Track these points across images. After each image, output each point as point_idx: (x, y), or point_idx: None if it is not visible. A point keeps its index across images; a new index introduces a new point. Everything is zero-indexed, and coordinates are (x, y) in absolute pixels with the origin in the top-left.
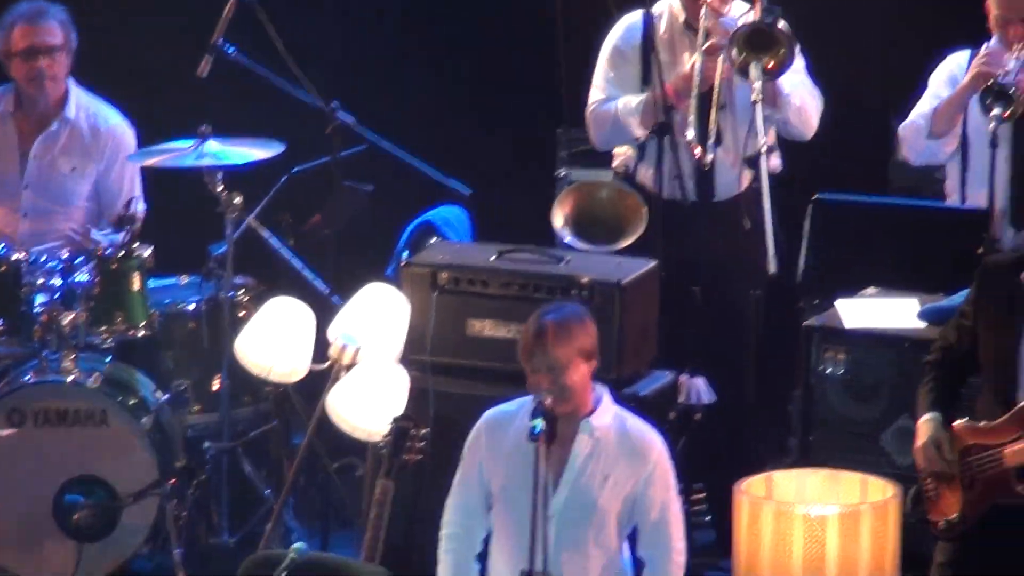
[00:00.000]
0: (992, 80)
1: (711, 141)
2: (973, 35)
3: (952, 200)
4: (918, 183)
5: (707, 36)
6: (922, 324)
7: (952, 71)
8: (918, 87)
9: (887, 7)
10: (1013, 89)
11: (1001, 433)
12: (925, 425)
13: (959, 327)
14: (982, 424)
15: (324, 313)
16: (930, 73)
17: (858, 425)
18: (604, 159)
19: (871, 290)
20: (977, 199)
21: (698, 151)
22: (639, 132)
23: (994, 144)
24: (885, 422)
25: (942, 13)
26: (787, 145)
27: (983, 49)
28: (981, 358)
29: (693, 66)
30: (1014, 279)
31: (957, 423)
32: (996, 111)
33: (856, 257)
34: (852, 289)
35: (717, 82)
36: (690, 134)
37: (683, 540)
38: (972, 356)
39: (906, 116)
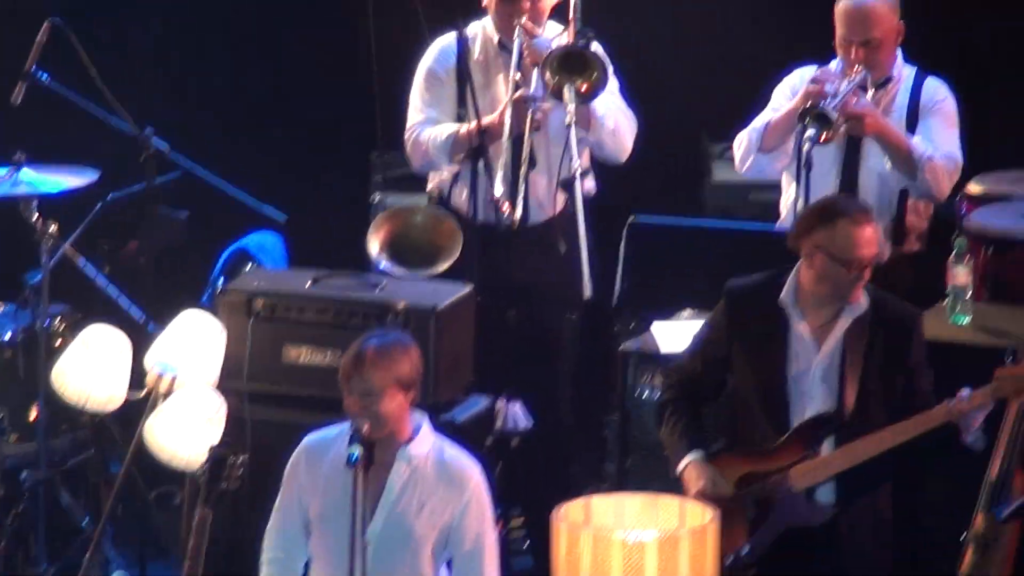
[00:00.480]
0: (810, 103)
1: (521, 181)
2: (811, 54)
3: (785, 217)
4: (733, 205)
5: (521, 58)
6: None
7: (795, 85)
8: (732, 108)
9: (699, 30)
10: (833, 113)
11: (779, 457)
12: (691, 468)
13: (705, 356)
14: (756, 451)
15: (140, 341)
16: (745, 94)
17: None
18: (419, 183)
19: (687, 313)
20: None
21: (506, 208)
22: (450, 165)
23: (808, 166)
24: None
25: (757, 35)
26: (602, 168)
27: (820, 68)
28: (742, 386)
29: (503, 113)
30: (770, 302)
31: (724, 454)
32: (810, 132)
33: (672, 280)
34: (668, 312)
35: (529, 117)
36: (498, 190)
37: (497, 570)
38: (718, 385)
39: (727, 136)
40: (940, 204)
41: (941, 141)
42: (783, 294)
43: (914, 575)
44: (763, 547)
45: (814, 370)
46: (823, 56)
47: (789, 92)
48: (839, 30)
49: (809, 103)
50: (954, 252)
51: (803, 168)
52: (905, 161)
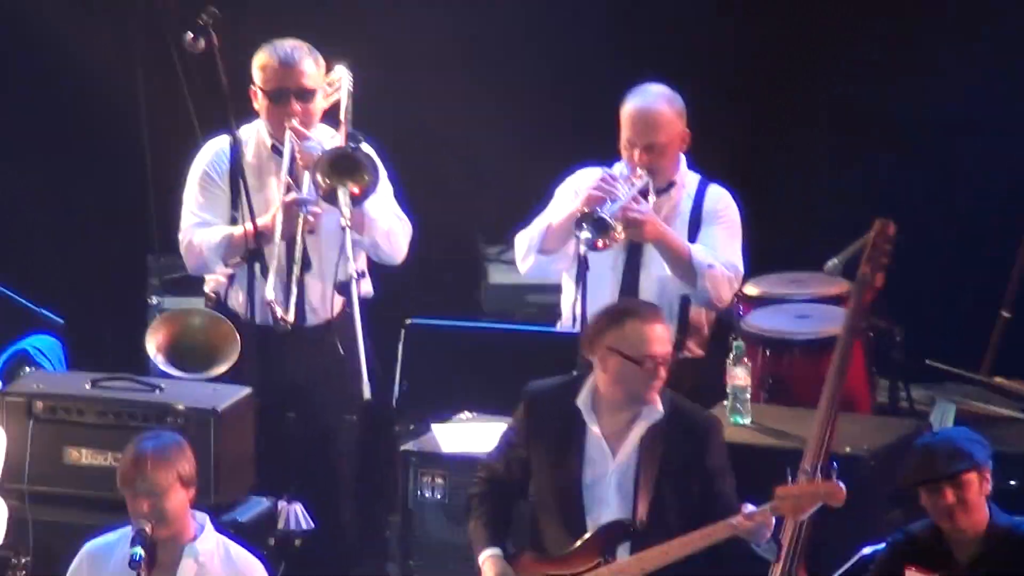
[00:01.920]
0: (590, 208)
1: (294, 288)
2: (591, 155)
3: (566, 319)
4: (510, 307)
5: (292, 161)
6: None
7: (578, 186)
8: (507, 210)
9: (474, 131)
10: (610, 218)
11: (575, 562)
12: (488, 563)
13: (507, 456)
14: (552, 555)
15: None
16: (522, 196)
17: (457, 549)
18: (196, 285)
19: (466, 414)
20: None
21: (279, 312)
22: (224, 268)
23: (584, 268)
24: None
25: (532, 136)
26: (379, 270)
27: (610, 169)
28: (540, 488)
29: (275, 216)
30: (566, 405)
31: (526, 555)
32: (587, 236)
33: (450, 381)
34: (447, 413)
35: (301, 220)
36: (270, 294)
37: None
38: (522, 485)
39: (502, 239)
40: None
41: (723, 250)
42: (579, 398)
43: None
44: None
45: (609, 476)
46: (606, 157)
47: (572, 193)
48: (624, 132)
49: (588, 208)
50: (732, 354)
51: (579, 271)
52: (685, 268)
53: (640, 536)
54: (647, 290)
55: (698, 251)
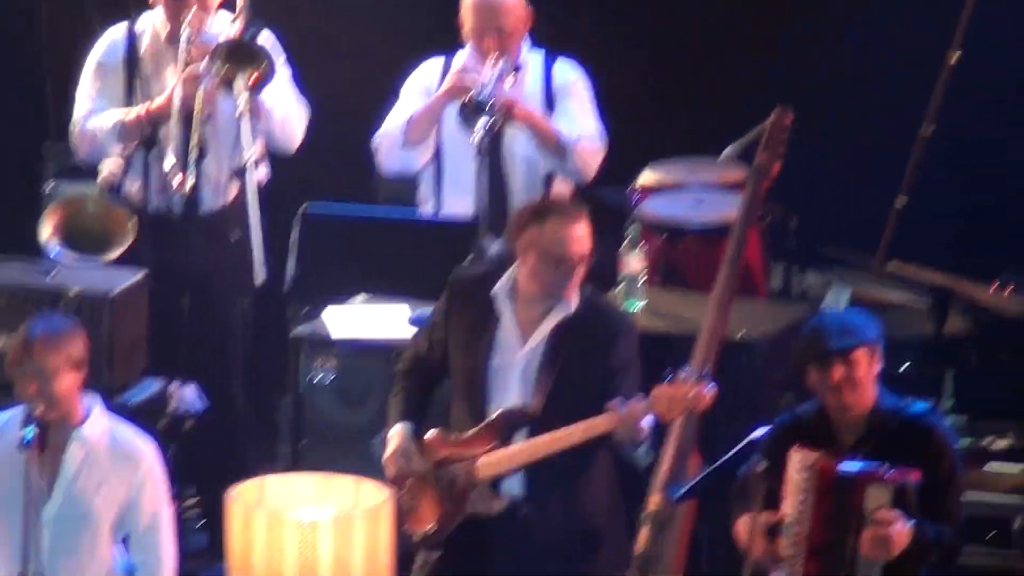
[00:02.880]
0: (469, 96)
1: (191, 167)
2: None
3: (426, 209)
4: (404, 193)
5: (188, 52)
6: (412, 331)
7: (425, 81)
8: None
9: (366, 14)
10: (491, 102)
11: (474, 444)
12: (396, 435)
13: (430, 337)
14: (455, 435)
15: None
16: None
17: (348, 431)
18: (92, 173)
19: (360, 298)
20: (454, 207)
21: (177, 179)
22: (120, 152)
23: (480, 154)
24: (375, 428)
25: (421, 19)
26: (276, 156)
27: (456, 60)
28: (453, 370)
29: (172, 93)
30: (483, 294)
31: (430, 433)
32: (480, 122)
33: (345, 266)
34: (341, 298)
35: (199, 104)
36: (168, 163)
37: (173, 546)
38: (443, 366)
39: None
40: (612, 192)
41: (582, 121)
42: (497, 286)
43: None
44: (447, 530)
45: (515, 364)
46: (446, 47)
47: (420, 87)
48: (469, 21)
49: (467, 99)
50: (627, 240)
51: (477, 156)
52: (553, 146)
53: (537, 425)
54: (513, 171)
55: (563, 127)
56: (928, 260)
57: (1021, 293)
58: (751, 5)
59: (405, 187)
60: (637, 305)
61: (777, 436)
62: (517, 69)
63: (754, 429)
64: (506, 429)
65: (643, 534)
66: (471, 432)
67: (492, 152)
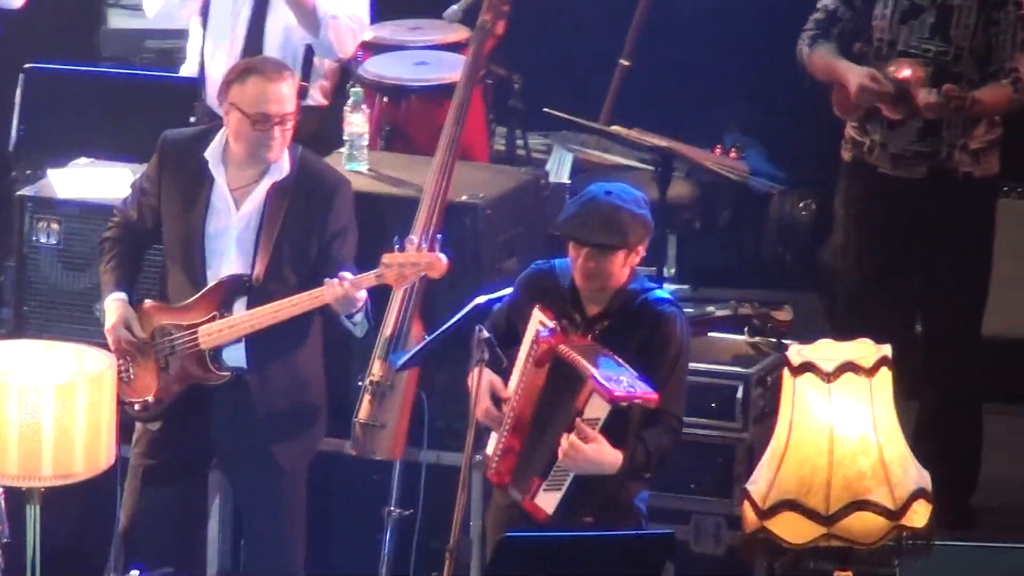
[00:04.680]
0: None
1: None
2: None
3: (191, 65)
4: (128, 52)
5: None
6: None
7: None
8: None
9: None
10: None
11: (193, 313)
12: (112, 305)
13: (139, 203)
14: (174, 304)
15: None
16: None
17: (73, 296)
18: None
19: (83, 160)
20: (217, 64)
21: None
22: None
23: (205, 14)
24: (98, 293)
25: None
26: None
27: None
28: (167, 236)
29: None
30: (197, 155)
31: (147, 302)
32: None
33: (69, 127)
34: (65, 159)
35: None
36: None
37: None
38: (154, 232)
39: None
40: None
41: (348, 0)
42: (209, 150)
43: None
44: (167, 401)
45: (231, 229)
46: None
47: None
48: None
49: None
50: (350, 100)
51: (201, 16)
52: (310, 18)
53: (257, 292)
54: (272, 38)
55: (323, 1)
56: (651, 123)
57: (743, 157)
58: None
59: (131, 46)
60: (359, 167)
61: (529, 281)
62: None
63: (477, 295)
64: (226, 298)
65: (365, 402)
66: (189, 301)
67: (255, 16)
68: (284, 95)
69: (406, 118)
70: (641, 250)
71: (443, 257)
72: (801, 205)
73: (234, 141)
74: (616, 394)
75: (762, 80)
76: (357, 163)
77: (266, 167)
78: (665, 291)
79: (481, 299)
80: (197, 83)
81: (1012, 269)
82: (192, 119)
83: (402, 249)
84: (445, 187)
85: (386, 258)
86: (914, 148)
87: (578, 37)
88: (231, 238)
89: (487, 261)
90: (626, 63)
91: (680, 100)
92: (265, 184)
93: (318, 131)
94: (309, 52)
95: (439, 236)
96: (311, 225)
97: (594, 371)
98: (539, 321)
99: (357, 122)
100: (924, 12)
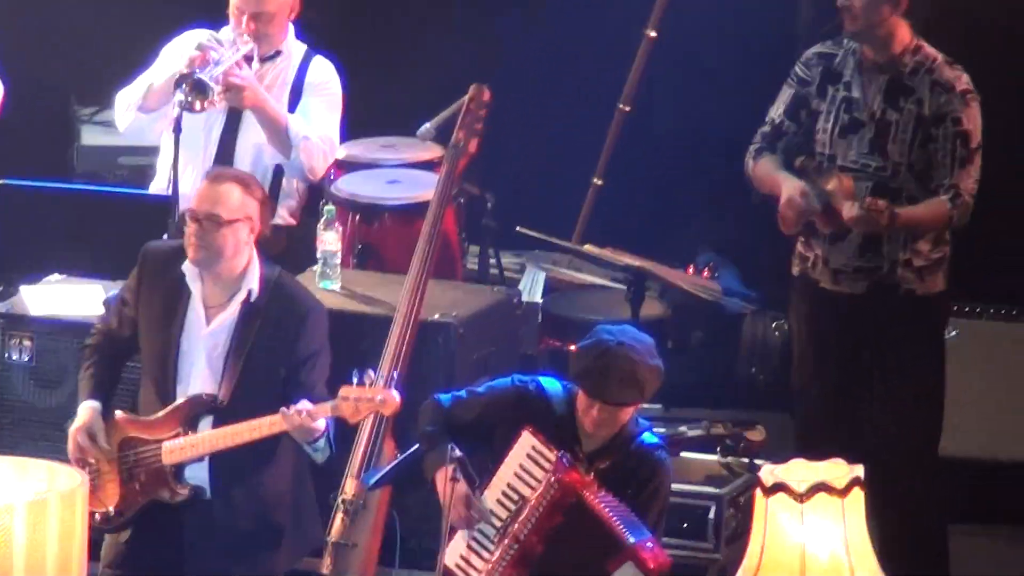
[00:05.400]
0: (192, 70)
1: None
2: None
3: (160, 181)
4: (102, 169)
5: None
6: None
7: (183, 49)
8: (103, 72)
9: None
10: (209, 81)
11: (160, 428)
12: (83, 410)
13: (120, 313)
14: (143, 417)
15: None
16: (120, 57)
17: (45, 413)
18: None
19: (56, 277)
20: (188, 181)
21: None
22: None
23: (178, 131)
24: (71, 410)
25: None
26: None
27: (222, 34)
28: (143, 348)
29: None
30: (176, 268)
31: (118, 413)
32: (181, 98)
33: (41, 243)
34: (37, 275)
35: None
36: None
37: None
38: (133, 343)
39: (97, 100)
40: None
41: (320, 122)
42: (186, 263)
43: None
44: (128, 513)
45: (202, 347)
46: (217, 20)
47: (177, 54)
48: None
49: (188, 69)
50: (323, 218)
51: (174, 132)
52: (281, 138)
53: (223, 412)
54: (243, 157)
55: (295, 122)
56: (624, 242)
57: (716, 276)
58: None
59: (104, 162)
60: (332, 285)
61: (519, 400)
62: (277, 55)
63: None
64: (191, 416)
65: (337, 521)
66: (157, 416)
67: (226, 134)
68: (211, 195)
69: (379, 236)
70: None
71: (396, 395)
72: (774, 326)
73: (186, 242)
74: (651, 566)
75: (734, 199)
76: (330, 281)
77: (239, 284)
78: (654, 435)
79: None
80: (169, 200)
81: (986, 390)
82: (164, 236)
83: (360, 383)
84: (418, 306)
85: (343, 391)
86: (855, 263)
87: (551, 156)
88: (202, 355)
89: (460, 380)
90: (599, 182)
91: (653, 218)
92: (236, 302)
93: (286, 250)
94: (278, 172)
95: (395, 374)
96: (281, 349)
97: (628, 537)
98: (532, 447)
99: (330, 240)
100: (863, 127)
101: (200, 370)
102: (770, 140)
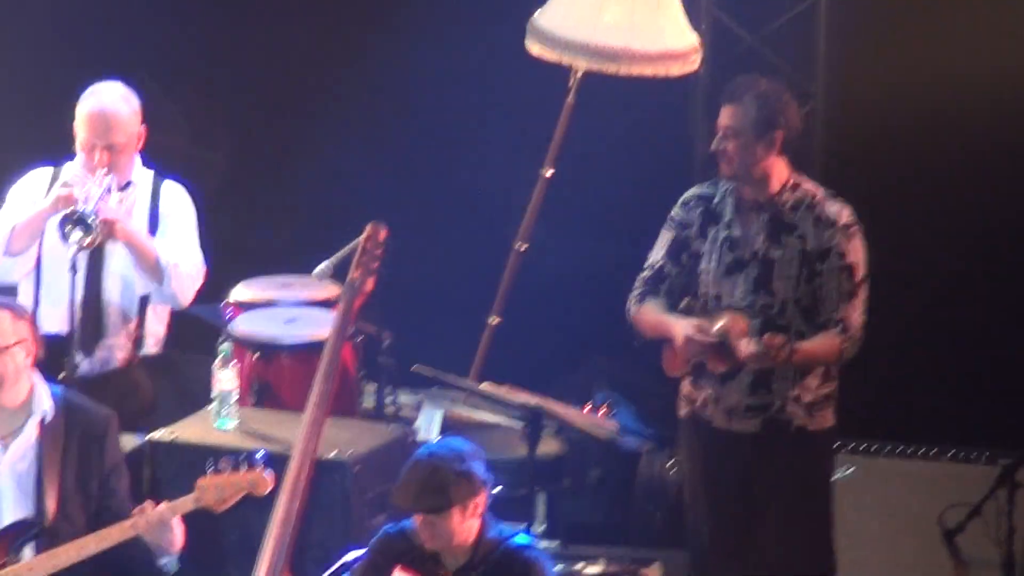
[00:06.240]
0: (73, 208)
1: None
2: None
3: None
4: None
5: None
6: None
7: (32, 190)
8: None
9: None
10: (93, 217)
11: None
12: None
13: None
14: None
15: None
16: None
17: None
18: None
19: None
20: (51, 320)
21: None
22: None
23: (74, 269)
24: None
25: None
26: None
27: (65, 171)
28: None
29: None
30: None
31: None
32: (76, 237)
33: None
34: None
35: None
36: None
37: None
38: None
39: None
40: (205, 309)
41: (184, 247)
42: None
43: None
44: None
45: (8, 476)
46: (57, 156)
47: (27, 195)
48: (82, 133)
49: (69, 208)
50: (220, 357)
51: (71, 272)
52: (152, 268)
53: (48, 534)
54: (110, 289)
55: (163, 250)
56: (521, 380)
57: (613, 414)
58: (357, 123)
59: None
60: (229, 424)
61: (380, 549)
62: (128, 185)
63: (346, 551)
64: (12, 543)
65: None
66: None
67: (91, 268)
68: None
69: (277, 374)
70: (478, 502)
71: (267, 475)
72: (669, 464)
73: None
74: None
75: (629, 337)
76: (227, 419)
77: (29, 410)
78: (524, 536)
79: (351, 555)
80: (65, 340)
81: (882, 526)
82: (62, 375)
83: (216, 472)
84: (315, 443)
85: (201, 482)
86: (747, 401)
87: (447, 294)
88: (10, 482)
89: (356, 518)
90: (496, 319)
91: (550, 357)
92: (32, 426)
93: (154, 380)
94: (144, 300)
95: (257, 455)
96: (91, 463)
97: None
98: None
99: (226, 378)
100: (747, 266)
101: (8, 497)
102: (652, 284)
